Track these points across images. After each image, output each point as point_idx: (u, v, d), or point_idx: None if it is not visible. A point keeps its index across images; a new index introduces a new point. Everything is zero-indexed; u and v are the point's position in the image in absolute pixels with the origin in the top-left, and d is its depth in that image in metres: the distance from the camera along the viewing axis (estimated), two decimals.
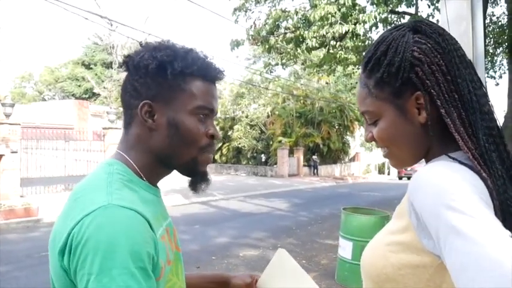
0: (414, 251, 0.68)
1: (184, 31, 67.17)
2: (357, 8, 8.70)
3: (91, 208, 0.67)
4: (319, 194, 15.80)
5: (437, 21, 8.69)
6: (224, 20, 33.21)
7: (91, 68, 34.26)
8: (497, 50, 12.63)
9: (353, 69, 13.20)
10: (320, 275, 5.31)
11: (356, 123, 25.88)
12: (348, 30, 8.53)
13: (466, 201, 0.58)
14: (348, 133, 27.62)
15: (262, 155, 25.26)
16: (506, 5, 10.46)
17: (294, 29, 9.88)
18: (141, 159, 0.82)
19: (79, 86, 34.62)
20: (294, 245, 6.86)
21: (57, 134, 14.47)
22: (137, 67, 0.80)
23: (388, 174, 30.24)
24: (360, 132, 27.49)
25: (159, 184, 0.89)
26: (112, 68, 22.85)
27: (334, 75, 21.36)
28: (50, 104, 25.50)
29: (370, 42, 9.41)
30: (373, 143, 0.80)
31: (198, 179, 0.87)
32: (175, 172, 0.89)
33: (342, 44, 9.67)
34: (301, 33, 9.23)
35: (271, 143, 24.84)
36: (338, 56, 10.00)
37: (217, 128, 0.90)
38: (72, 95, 34.17)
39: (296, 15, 9.70)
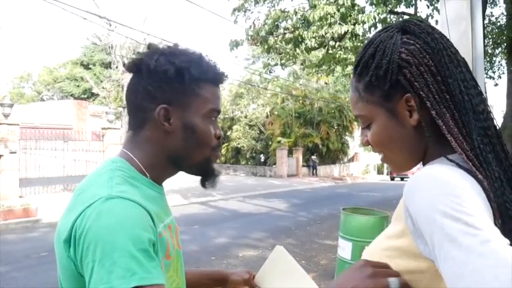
0: (411, 257, 0.66)
1: (183, 31, 67.21)
2: (356, 8, 8.70)
3: (92, 200, 0.69)
4: (318, 194, 15.80)
5: (437, 21, 8.71)
6: (223, 20, 33.20)
7: (90, 68, 34.23)
8: (496, 50, 12.66)
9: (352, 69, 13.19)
10: (319, 275, 5.31)
11: (355, 123, 25.88)
12: (347, 30, 8.53)
13: (461, 207, 0.56)
14: (347, 133, 27.65)
15: (261, 155, 25.26)
16: (505, 5, 10.47)
17: (293, 29, 9.87)
18: (149, 159, 0.84)
19: (78, 86, 34.59)
20: (293, 245, 6.86)
21: (56, 134, 14.46)
22: (154, 71, 0.81)
23: (387, 174, 30.28)
24: (359, 132, 27.48)
25: None
26: (111, 68, 22.81)
27: (333, 76, 21.34)
28: (49, 104, 25.48)
29: None
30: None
31: (211, 176, 0.92)
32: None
33: (341, 44, 9.67)
34: (301, 33, 9.22)
35: (270, 143, 24.84)
36: (337, 56, 9.99)
37: None
38: (71, 95, 34.15)
39: (295, 15, 9.70)
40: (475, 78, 0.72)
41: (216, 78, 0.88)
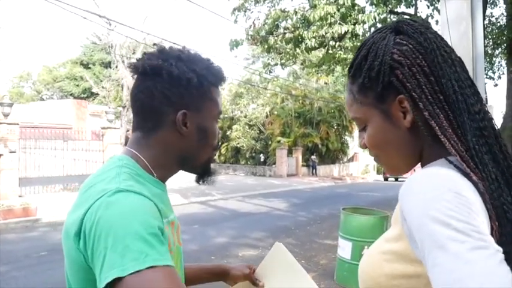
0: (408, 261, 0.66)
1: (183, 31, 67.18)
2: (356, 8, 8.70)
3: (101, 194, 0.71)
4: (318, 194, 15.81)
5: (437, 22, 8.72)
6: (223, 20, 33.18)
7: (89, 68, 34.16)
8: (496, 50, 12.67)
9: None
10: (319, 275, 5.31)
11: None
12: (347, 30, 8.53)
13: (453, 212, 0.54)
14: (347, 133, 27.65)
15: (261, 155, 25.26)
16: (505, 6, 10.48)
17: (293, 29, 9.86)
18: (159, 160, 0.87)
19: (77, 85, 34.53)
20: (293, 245, 6.86)
21: (56, 133, 14.45)
22: (177, 78, 0.84)
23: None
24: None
25: None
26: (110, 68, 22.79)
27: (333, 76, 21.36)
28: (49, 104, 25.42)
29: None
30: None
31: (210, 174, 0.96)
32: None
33: (341, 44, 9.66)
34: (301, 33, 9.22)
35: (270, 142, 24.85)
36: (337, 56, 9.99)
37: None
38: (71, 94, 34.09)
39: (295, 15, 9.70)
40: (475, 79, 0.72)
41: (222, 81, 0.93)
